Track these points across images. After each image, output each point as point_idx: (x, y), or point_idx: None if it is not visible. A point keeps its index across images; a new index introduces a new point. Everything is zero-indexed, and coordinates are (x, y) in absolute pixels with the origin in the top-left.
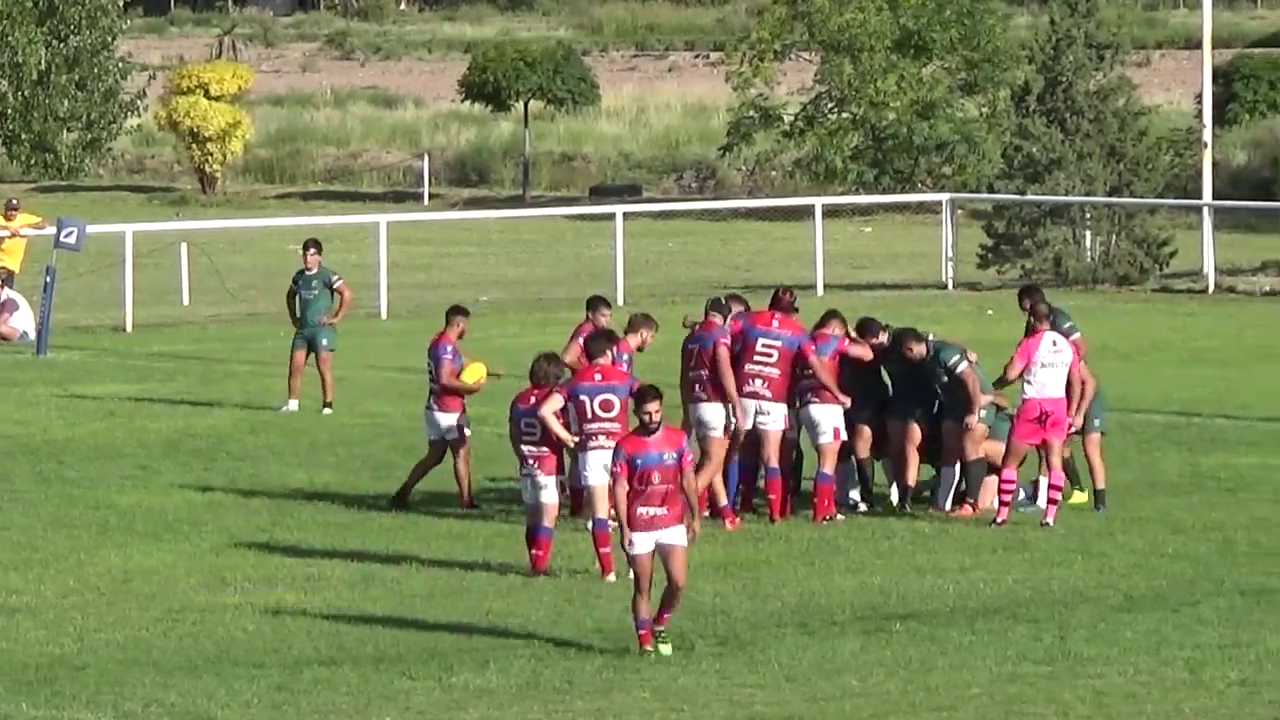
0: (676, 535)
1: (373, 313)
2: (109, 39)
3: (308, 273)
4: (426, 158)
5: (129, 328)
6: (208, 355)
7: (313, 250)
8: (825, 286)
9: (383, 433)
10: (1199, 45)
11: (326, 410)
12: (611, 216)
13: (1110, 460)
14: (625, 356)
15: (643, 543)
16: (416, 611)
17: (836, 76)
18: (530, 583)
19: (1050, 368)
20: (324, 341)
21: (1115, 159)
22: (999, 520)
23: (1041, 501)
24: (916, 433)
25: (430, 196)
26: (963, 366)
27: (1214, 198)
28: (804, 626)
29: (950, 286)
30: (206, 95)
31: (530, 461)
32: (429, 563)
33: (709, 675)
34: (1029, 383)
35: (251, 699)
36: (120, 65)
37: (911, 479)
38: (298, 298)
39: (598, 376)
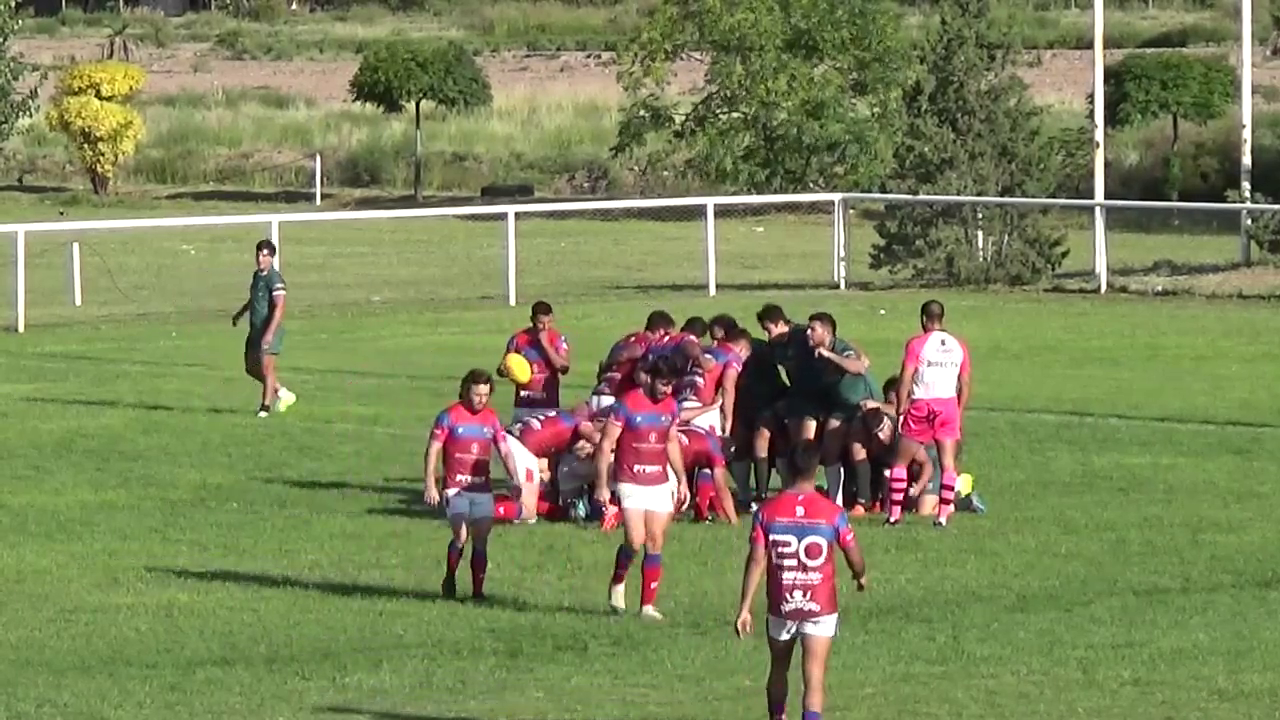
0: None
1: None
2: (0, 39)
3: (259, 274)
4: (318, 158)
5: (21, 328)
6: (100, 355)
7: (265, 251)
8: (717, 286)
9: (275, 433)
10: (1090, 45)
11: (262, 414)
12: (504, 216)
13: (1002, 460)
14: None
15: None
16: (310, 611)
17: (727, 76)
18: (423, 583)
19: (939, 367)
20: (264, 347)
21: (1007, 159)
22: (892, 520)
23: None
24: (811, 429)
25: (322, 196)
26: (849, 354)
27: (1106, 198)
28: (697, 626)
29: (843, 286)
30: (98, 95)
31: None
32: (322, 563)
33: (602, 675)
34: (918, 383)
35: (144, 699)
36: (12, 65)
37: None
38: (250, 298)
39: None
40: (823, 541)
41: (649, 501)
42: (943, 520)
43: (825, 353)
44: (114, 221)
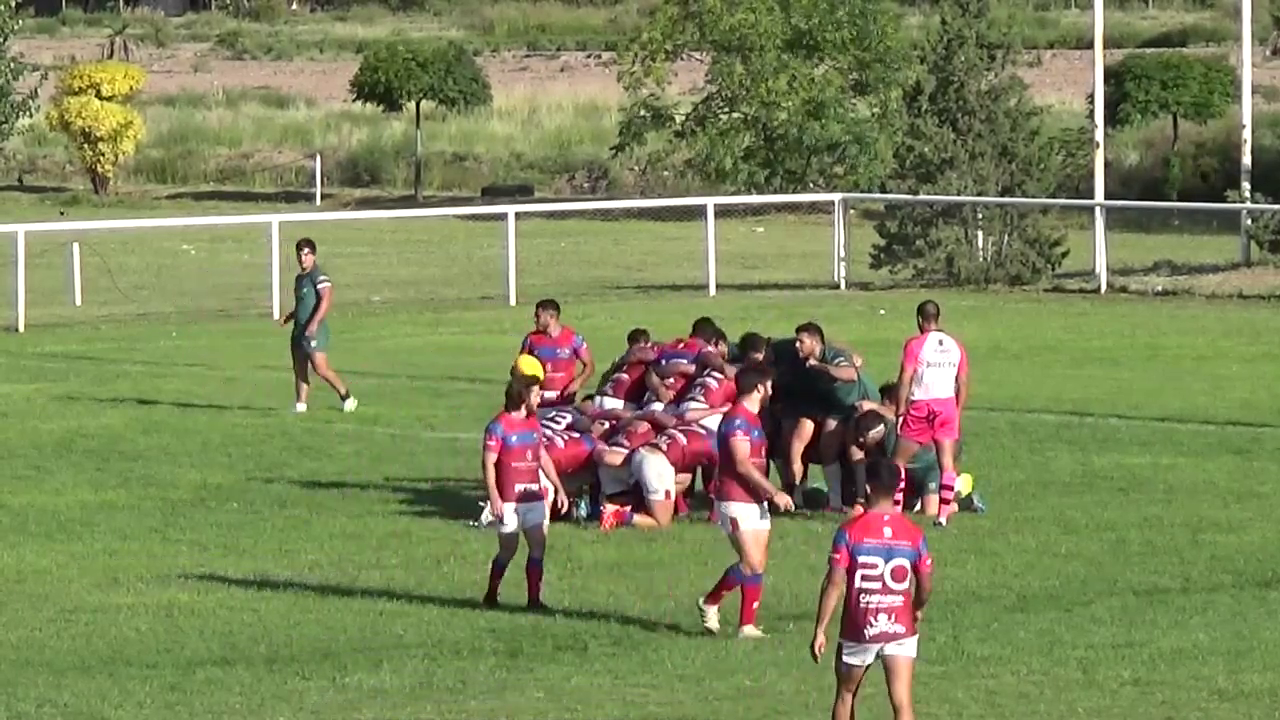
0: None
1: (265, 313)
2: (0, 39)
3: (303, 273)
4: (318, 158)
5: (21, 328)
6: (100, 355)
7: (306, 250)
8: (718, 286)
9: (275, 433)
10: (1090, 45)
11: (347, 404)
12: (504, 216)
13: (1002, 460)
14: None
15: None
16: (310, 611)
17: (728, 76)
18: (423, 583)
19: (937, 367)
20: (312, 344)
21: (1007, 159)
22: None
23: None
24: (807, 430)
25: (322, 197)
26: (840, 361)
27: (1106, 198)
28: (697, 626)
29: (843, 286)
30: (98, 95)
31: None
32: (322, 563)
33: (602, 675)
34: (916, 384)
35: (144, 699)
36: (12, 65)
37: (797, 476)
38: (296, 300)
39: None
40: (908, 564)
41: (764, 520)
42: (943, 520)
43: (815, 364)
44: (114, 221)
